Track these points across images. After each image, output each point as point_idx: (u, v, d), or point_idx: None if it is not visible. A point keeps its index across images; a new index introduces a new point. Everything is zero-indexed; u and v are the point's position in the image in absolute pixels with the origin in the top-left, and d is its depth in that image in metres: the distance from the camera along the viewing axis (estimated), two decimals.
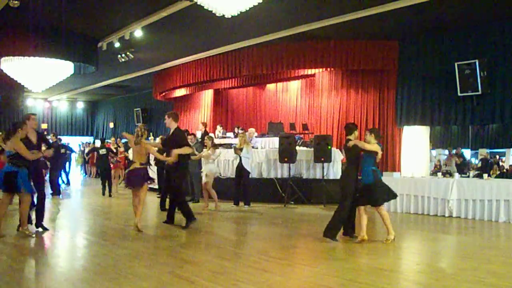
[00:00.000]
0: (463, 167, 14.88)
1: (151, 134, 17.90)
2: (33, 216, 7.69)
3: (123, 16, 11.26)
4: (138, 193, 7.68)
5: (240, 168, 11.18)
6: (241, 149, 11.07)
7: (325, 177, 11.85)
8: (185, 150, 7.98)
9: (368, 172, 6.88)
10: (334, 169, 12.21)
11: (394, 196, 7.12)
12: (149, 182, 7.86)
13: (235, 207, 11.14)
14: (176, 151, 7.84)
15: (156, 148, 8.28)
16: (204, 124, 14.83)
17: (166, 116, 8.30)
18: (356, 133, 7.20)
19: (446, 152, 16.49)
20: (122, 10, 10.86)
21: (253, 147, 13.33)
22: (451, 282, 4.96)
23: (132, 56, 13.79)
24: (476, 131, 16.80)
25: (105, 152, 13.79)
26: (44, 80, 13.45)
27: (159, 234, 7.76)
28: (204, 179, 10.67)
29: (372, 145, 6.90)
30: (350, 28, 11.63)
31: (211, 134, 13.82)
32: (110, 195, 13.59)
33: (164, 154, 8.33)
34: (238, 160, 11.25)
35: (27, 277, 5.03)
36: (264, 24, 11.59)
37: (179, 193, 8.26)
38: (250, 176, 11.50)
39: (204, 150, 10.88)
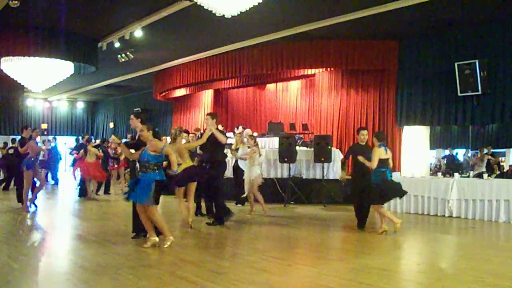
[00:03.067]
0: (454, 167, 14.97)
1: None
2: None
3: (123, 16, 11.25)
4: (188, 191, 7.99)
5: (236, 168, 11.21)
6: (236, 150, 11.04)
7: (325, 177, 11.85)
8: (221, 136, 8.25)
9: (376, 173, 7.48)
10: (334, 169, 12.20)
11: (390, 197, 7.84)
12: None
13: (236, 207, 11.16)
14: (215, 131, 8.09)
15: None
16: (198, 130, 13.74)
17: (208, 117, 8.26)
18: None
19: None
20: (122, 10, 10.85)
21: (250, 147, 13.30)
22: (451, 282, 4.96)
23: (132, 56, 13.78)
24: (476, 131, 16.84)
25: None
26: (44, 80, 13.45)
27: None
28: (254, 183, 9.98)
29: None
30: (350, 28, 11.63)
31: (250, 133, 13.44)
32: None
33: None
34: (234, 160, 11.28)
35: (27, 277, 5.03)
36: (264, 24, 11.58)
37: (220, 193, 8.36)
38: None
39: (249, 151, 10.18)
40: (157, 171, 6.18)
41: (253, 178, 9.81)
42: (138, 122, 6.68)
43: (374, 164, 7.26)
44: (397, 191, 7.67)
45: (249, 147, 10.32)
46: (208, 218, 8.68)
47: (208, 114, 8.41)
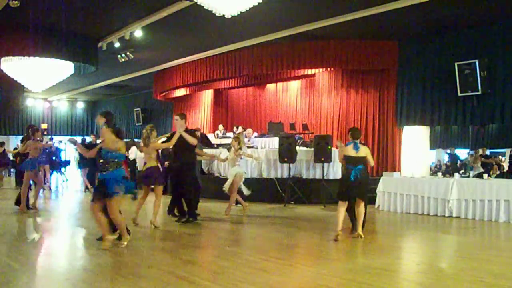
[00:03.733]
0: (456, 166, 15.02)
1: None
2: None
3: (123, 16, 11.26)
4: (155, 192, 8.11)
5: None
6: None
7: (325, 177, 11.85)
8: (191, 139, 8.24)
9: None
10: (334, 169, 12.20)
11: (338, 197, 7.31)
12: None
13: (236, 207, 11.16)
14: (184, 134, 8.14)
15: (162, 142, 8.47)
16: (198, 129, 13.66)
17: (177, 117, 8.40)
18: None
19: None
20: (122, 10, 10.86)
21: (252, 147, 13.31)
22: (451, 282, 4.96)
23: (132, 56, 13.78)
24: (476, 131, 16.85)
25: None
26: (44, 80, 13.45)
27: (159, 234, 7.76)
28: (229, 181, 9.87)
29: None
30: (350, 28, 11.63)
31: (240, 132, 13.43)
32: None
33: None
34: None
35: (27, 277, 5.03)
36: (264, 24, 11.58)
37: (189, 190, 8.51)
38: (249, 176, 11.47)
39: (230, 152, 10.17)
40: (120, 168, 6.13)
41: (233, 177, 9.75)
42: (103, 120, 6.73)
43: (339, 159, 7.38)
44: (352, 193, 7.09)
45: (250, 147, 10.33)
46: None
47: (177, 115, 8.50)
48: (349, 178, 6.98)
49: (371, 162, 7.27)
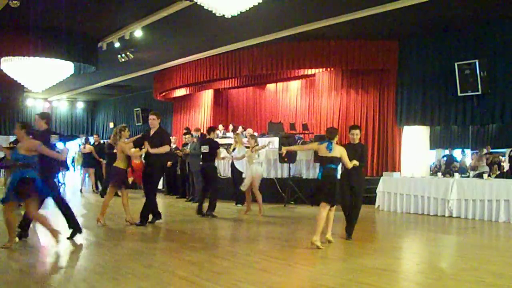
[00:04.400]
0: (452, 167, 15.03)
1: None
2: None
3: (123, 16, 11.25)
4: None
5: (232, 168, 11.26)
6: (233, 149, 11.04)
7: None
8: (164, 149, 8.24)
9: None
10: None
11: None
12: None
13: (236, 207, 11.18)
14: (154, 150, 8.10)
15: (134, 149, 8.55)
16: (198, 130, 13.42)
17: (154, 117, 8.41)
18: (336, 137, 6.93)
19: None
20: (122, 10, 10.85)
21: (248, 147, 13.30)
22: (451, 282, 4.96)
23: (132, 56, 13.78)
24: (476, 131, 16.85)
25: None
26: (44, 80, 13.44)
27: (159, 234, 7.76)
28: (246, 182, 9.98)
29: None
30: (350, 28, 11.63)
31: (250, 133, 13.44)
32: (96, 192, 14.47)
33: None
34: (231, 160, 11.33)
35: (27, 277, 5.03)
36: (264, 24, 11.58)
37: (154, 190, 8.57)
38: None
39: (247, 150, 10.32)
40: (24, 170, 6.08)
41: (254, 175, 9.78)
42: (43, 122, 6.76)
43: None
44: (319, 194, 6.68)
45: (247, 147, 10.40)
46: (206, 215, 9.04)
47: (153, 114, 8.47)
48: (319, 178, 6.72)
49: (347, 163, 6.73)
